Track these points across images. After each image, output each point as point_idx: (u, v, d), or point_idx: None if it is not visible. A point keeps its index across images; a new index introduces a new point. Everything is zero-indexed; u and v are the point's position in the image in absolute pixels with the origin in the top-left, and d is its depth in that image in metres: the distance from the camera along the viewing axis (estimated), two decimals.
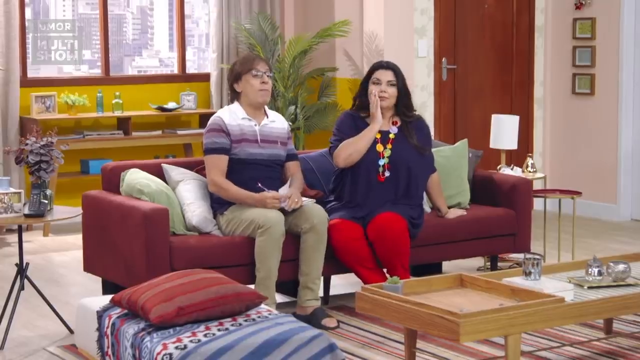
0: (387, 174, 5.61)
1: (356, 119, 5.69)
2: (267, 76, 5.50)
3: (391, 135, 5.67)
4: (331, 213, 5.57)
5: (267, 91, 5.50)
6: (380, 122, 5.59)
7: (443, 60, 8.31)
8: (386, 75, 5.62)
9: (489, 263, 6.42)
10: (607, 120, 8.40)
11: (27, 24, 8.14)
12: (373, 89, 5.60)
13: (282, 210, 5.34)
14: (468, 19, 8.49)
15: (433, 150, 6.07)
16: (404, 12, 8.04)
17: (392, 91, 5.62)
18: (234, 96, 5.56)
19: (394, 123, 5.70)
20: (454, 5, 8.35)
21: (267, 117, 5.57)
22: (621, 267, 4.59)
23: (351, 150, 5.58)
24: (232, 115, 5.48)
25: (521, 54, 8.75)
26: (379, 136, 5.62)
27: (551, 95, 8.80)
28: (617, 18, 8.27)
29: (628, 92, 8.29)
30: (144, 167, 5.63)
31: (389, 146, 5.64)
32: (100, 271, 5.57)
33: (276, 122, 5.60)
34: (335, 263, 5.53)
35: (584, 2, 8.48)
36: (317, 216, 5.34)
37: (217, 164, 5.40)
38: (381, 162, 5.61)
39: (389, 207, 5.53)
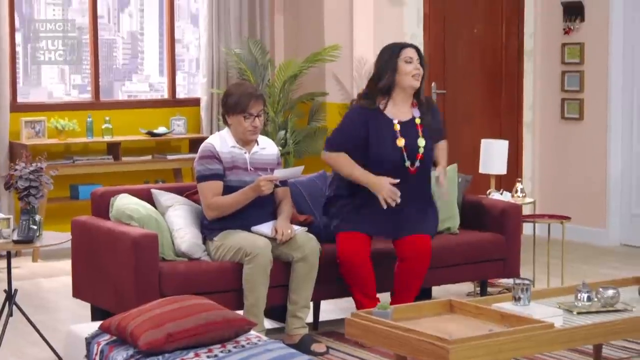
0: (417, 164, 5.48)
1: (367, 114, 5.46)
2: (259, 116, 5.46)
3: (417, 121, 5.52)
4: (340, 218, 5.49)
5: (256, 131, 5.48)
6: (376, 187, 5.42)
7: (433, 85, 8.33)
8: (414, 54, 5.47)
9: (478, 288, 6.42)
10: (596, 145, 8.43)
11: (17, 48, 8.15)
12: (407, 74, 5.39)
13: (272, 238, 5.34)
14: (457, 44, 8.53)
15: None
16: (394, 37, 8.04)
17: (422, 70, 5.47)
18: (225, 122, 5.56)
19: (412, 105, 5.56)
20: (444, 30, 8.39)
21: (258, 144, 5.56)
22: (610, 292, 4.58)
23: (345, 172, 5.47)
24: (222, 143, 5.47)
25: (510, 79, 8.79)
26: (398, 127, 5.44)
27: (540, 120, 8.83)
28: (605, 43, 8.31)
29: (617, 117, 8.33)
30: (133, 193, 5.62)
31: (421, 134, 5.49)
32: (90, 297, 5.55)
33: (266, 149, 5.59)
34: (325, 288, 5.52)
35: (572, 28, 8.53)
36: (309, 246, 5.34)
37: (213, 190, 5.38)
38: (420, 150, 5.44)
39: (422, 220, 5.45)
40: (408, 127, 5.49)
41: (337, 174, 5.62)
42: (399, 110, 5.50)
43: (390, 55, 5.47)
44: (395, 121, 5.49)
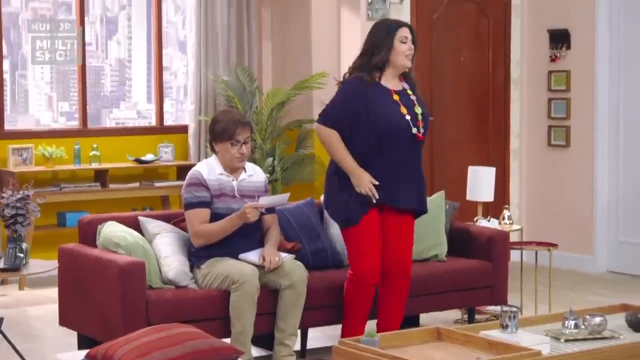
0: (421, 130, 5.45)
1: (366, 86, 5.39)
2: (247, 143, 5.46)
3: (409, 92, 5.51)
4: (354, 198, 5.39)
5: (243, 158, 5.48)
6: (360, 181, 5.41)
7: None
8: (409, 33, 5.47)
9: (466, 315, 6.42)
10: (582, 172, 8.45)
11: (4, 75, 8.15)
12: (402, 54, 5.39)
13: (259, 265, 5.34)
14: (444, 71, 8.57)
15: None
16: None
17: (413, 50, 5.47)
18: (213, 149, 5.56)
19: (400, 79, 5.53)
20: (430, 58, 8.43)
21: (245, 171, 5.56)
22: (597, 319, 4.59)
23: (336, 154, 5.40)
24: (210, 170, 5.47)
25: (497, 106, 8.82)
26: (397, 97, 5.42)
27: (527, 147, 8.86)
28: (591, 70, 8.36)
29: (603, 144, 8.36)
30: (120, 220, 5.62)
31: (416, 103, 5.47)
32: (76, 325, 5.53)
33: (254, 176, 5.59)
34: (313, 315, 5.51)
35: (558, 55, 8.58)
36: (296, 274, 5.34)
37: (200, 217, 5.38)
38: (419, 117, 5.42)
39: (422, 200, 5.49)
40: (404, 97, 5.49)
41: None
42: (390, 83, 5.49)
43: (387, 33, 5.44)
44: (393, 92, 5.48)
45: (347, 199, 5.39)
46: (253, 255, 5.37)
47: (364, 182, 5.34)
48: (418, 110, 5.46)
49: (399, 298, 5.54)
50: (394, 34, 5.42)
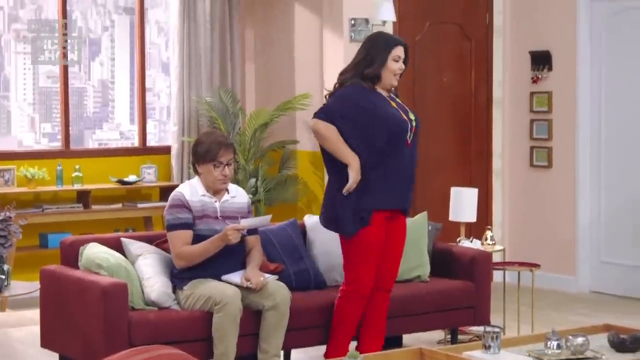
0: (411, 137, 5.49)
1: (366, 91, 5.42)
2: (229, 165, 5.46)
3: (399, 100, 5.57)
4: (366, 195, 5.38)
5: (226, 180, 5.47)
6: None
7: None
8: (403, 52, 5.50)
9: (449, 336, 6.42)
10: (564, 192, 8.49)
11: None
12: (391, 72, 5.42)
13: (242, 287, 5.33)
14: (427, 92, 8.60)
15: None
16: None
17: (403, 69, 5.51)
18: (195, 171, 5.56)
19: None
20: (413, 79, 8.46)
21: (228, 192, 5.55)
22: (580, 340, 4.60)
23: (333, 145, 5.39)
24: (193, 191, 5.46)
25: (479, 127, 8.86)
26: (394, 104, 5.46)
27: (509, 168, 8.89)
28: (573, 91, 8.40)
29: (585, 164, 8.40)
30: (103, 241, 5.60)
31: (407, 109, 5.53)
32: (58, 347, 5.51)
33: (237, 197, 5.58)
34: (296, 336, 5.50)
35: (540, 76, 8.62)
36: (279, 295, 5.33)
37: (182, 239, 5.36)
38: (412, 123, 5.47)
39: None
40: (397, 105, 5.52)
41: (332, 171, 5.49)
42: (382, 92, 5.52)
43: (382, 48, 5.46)
44: (389, 99, 5.50)
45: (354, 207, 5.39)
46: (236, 277, 5.37)
47: (359, 173, 5.33)
48: (412, 116, 5.51)
49: (383, 312, 5.56)
50: (389, 51, 5.45)
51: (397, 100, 5.55)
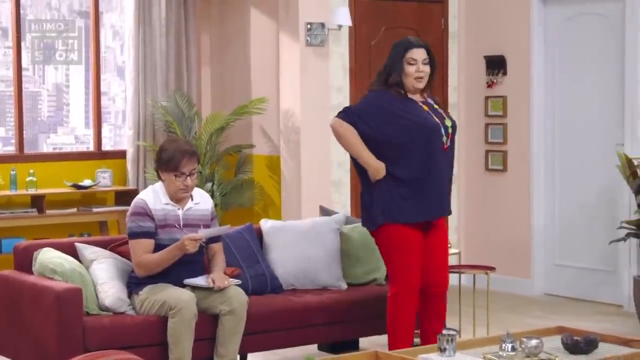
0: (449, 143, 5.48)
1: (395, 97, 5.42)
2: (192, 175, 5.40)
3: (436, 106, 5.53)
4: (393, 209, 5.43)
5: (188, 190, 5.42)
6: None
7: None
8: (420, 54, 5.46)
9: None
10: (519, 196, 8.55)
11: None
12: (410, 76, 5.40)
13: (198, 289, 5.31)
14: None
15: (349, 226, 6.14)
16: (320, 89, 8.13)
17: (427, 70, 5.46)
18: (159, 177, 5.49)
19: (422, 95, 5.55)
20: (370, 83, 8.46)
21: (192, 199, 5.50)
22: (534, 342, 4.64)
23: (354, 148, 5.42)
24: (156, 199, 5.40)
25: None
26: (426, 108, 5.45)
27: (465, 172, 8.94)
28: (527, 96, 8.47)
29: (539, 168, 8.47)
30: (57, 246, 5.56)
31: (445, 115, 5.50)
32: (11, 353, 5.46)
33: (201, 204, 5.53)
34: (252, 341, 5.50)
35: (495, 81, 8.68)
36: (237, 299, 5.32)
37: (143, 247, 5.32)
38: (449, 130, 5.45)
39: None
40: (432, 109, 5.51)
41: (362, 177, 5.52)
42: (414, 97, 5.51)
43: (396, 54, 5.48)
44: (421, 103, 5.50)
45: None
46: (201, 280, 5.36)
47: (382, 174, 5.36)
48: (448, 122, 5.50)
49: (441, 314, 5.68)
50: (403, 55, 5.45)
51: (434, 105, 5.54)
